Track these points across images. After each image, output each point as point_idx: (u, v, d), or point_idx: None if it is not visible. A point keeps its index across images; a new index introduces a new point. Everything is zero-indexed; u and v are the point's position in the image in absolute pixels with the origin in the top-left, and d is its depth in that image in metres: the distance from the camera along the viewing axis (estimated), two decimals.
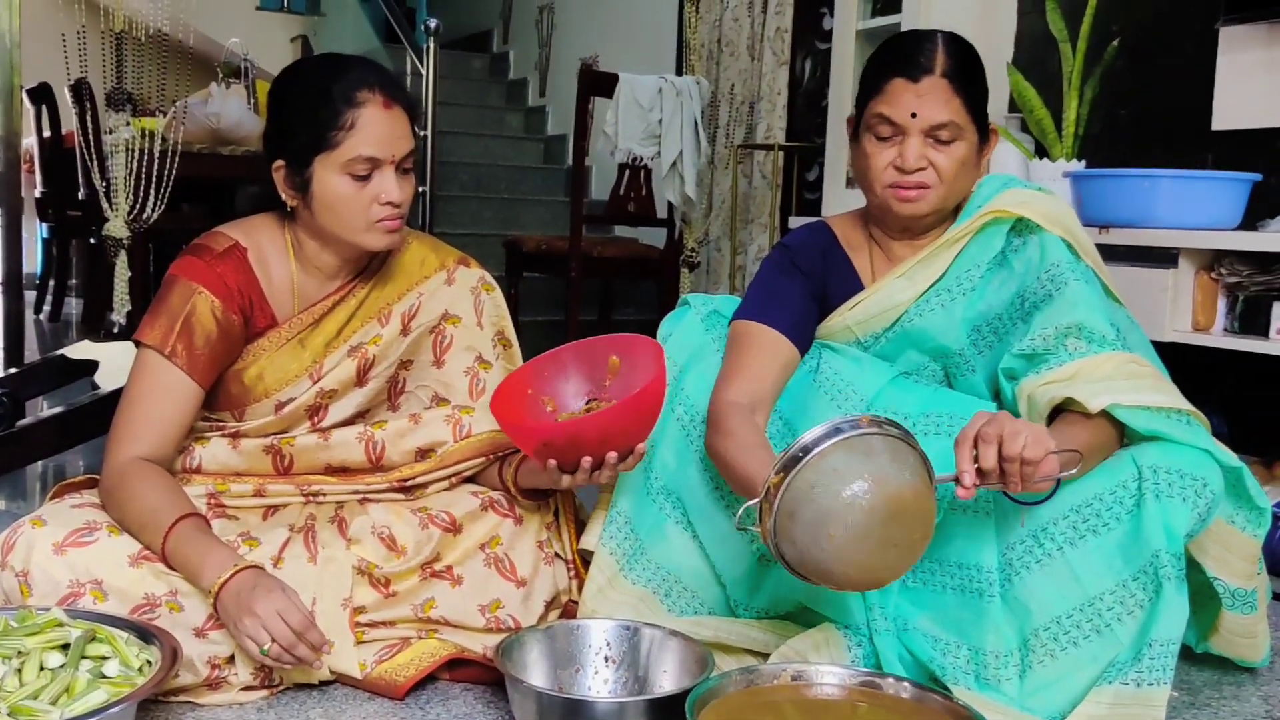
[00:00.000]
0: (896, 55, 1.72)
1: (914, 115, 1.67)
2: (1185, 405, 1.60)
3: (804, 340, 1.80)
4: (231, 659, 1.59)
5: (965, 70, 1.70)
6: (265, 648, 1.49)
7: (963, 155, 1.70)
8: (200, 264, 1.75)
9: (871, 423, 1.39)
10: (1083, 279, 1.68)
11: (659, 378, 1.60)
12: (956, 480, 1.43)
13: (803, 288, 1.81)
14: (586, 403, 1.73)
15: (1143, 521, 1.52)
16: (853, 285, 1.83)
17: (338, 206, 1.71)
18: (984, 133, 1.74)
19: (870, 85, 1.73)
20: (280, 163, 1.73)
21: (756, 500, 1.41)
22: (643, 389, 1.58)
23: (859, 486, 1.36)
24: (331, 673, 1.64)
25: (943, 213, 1.75)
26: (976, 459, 1.42)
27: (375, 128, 1.69)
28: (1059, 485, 1.48)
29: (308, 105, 1.70)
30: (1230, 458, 1.58)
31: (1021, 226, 1.74)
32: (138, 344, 1.73)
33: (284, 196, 1.75)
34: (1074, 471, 1.47)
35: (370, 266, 1.86)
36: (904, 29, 3.54)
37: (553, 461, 1.60)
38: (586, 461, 1.59)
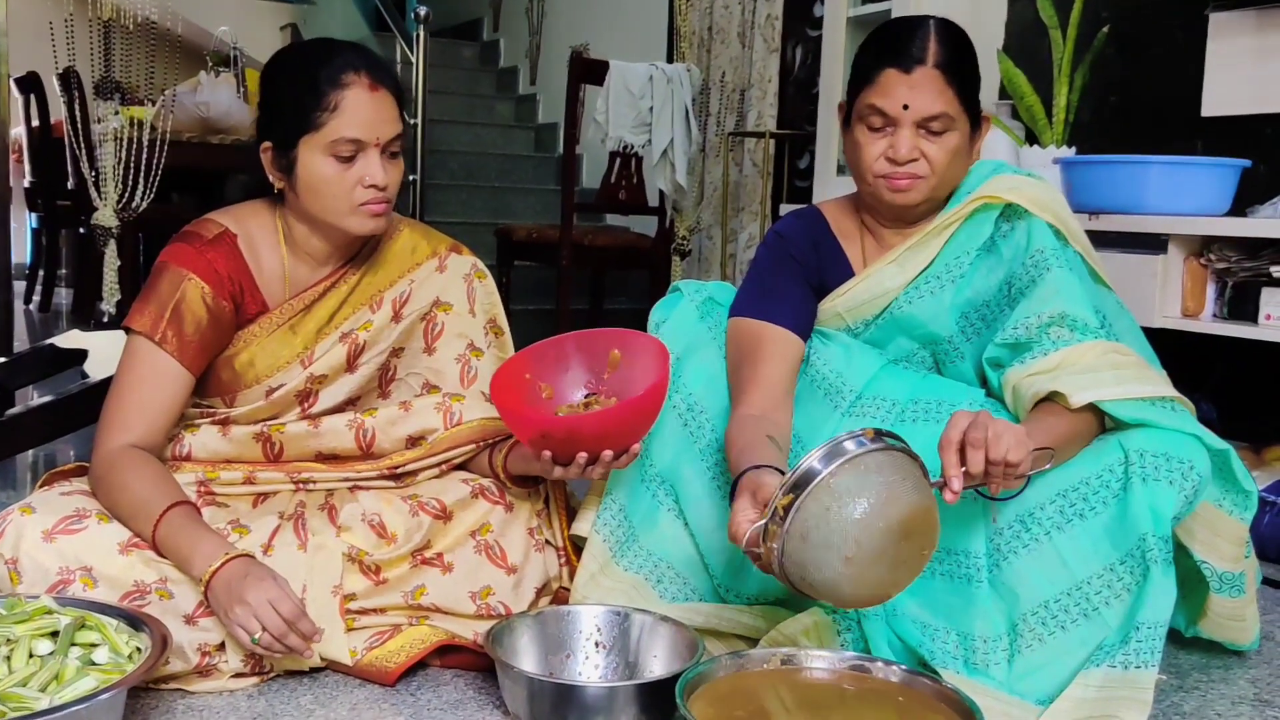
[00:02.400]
0: (888, 44, 1.70)
1: (906, 107, 1.66)
2: (1170, 392, 1.60)
3: (807, 329, 1.80)
4: (222, 646, 1.59)
5: (958, 60, 1.69)
6: (256, 636, 1.49)
7: (955, 145, 1.70)
8: (190, 250, 1.75)
9: (877, 436, 1.37)
10: (1067, 266, 1.68)
11: (662, 380, 1.59)
12: (943, 485, 1.43)
13: (799, 277, 1.81)
14: (586, 396, 1.73)
15: (1129, 505, 1.53)
16: (844, 272, 1.83)
17: (321, 188, 1.71)
18: (976, 121, 1.74)
19: (862, 75, 1.72)
20: (267, 144, 1.74)
21: (762, 523, 1.38)
22: (647, 390, 1.58)
23: (874, 507, 1.34)
24: (322, 659, 1.64)
25: (934, 201, 1.75)
26: (962, 463, 1.42)
27: (359, 110, 1.69)
28: (1029, 481, 1.48)
29: (294, 87, 1.71)
30: (1217, 440, 1.59)
31: (1010, 212, 1.73)
32: (128, 330, 1.73)
33: (271, 179, 1.75)
34: (1046, 467, 1.48)
35: (361, 253, 1.86)
36: (895, 16, 3.54)
37: (547, 453, 1.60)
38: (581, 457, 1.59)
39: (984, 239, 1.74)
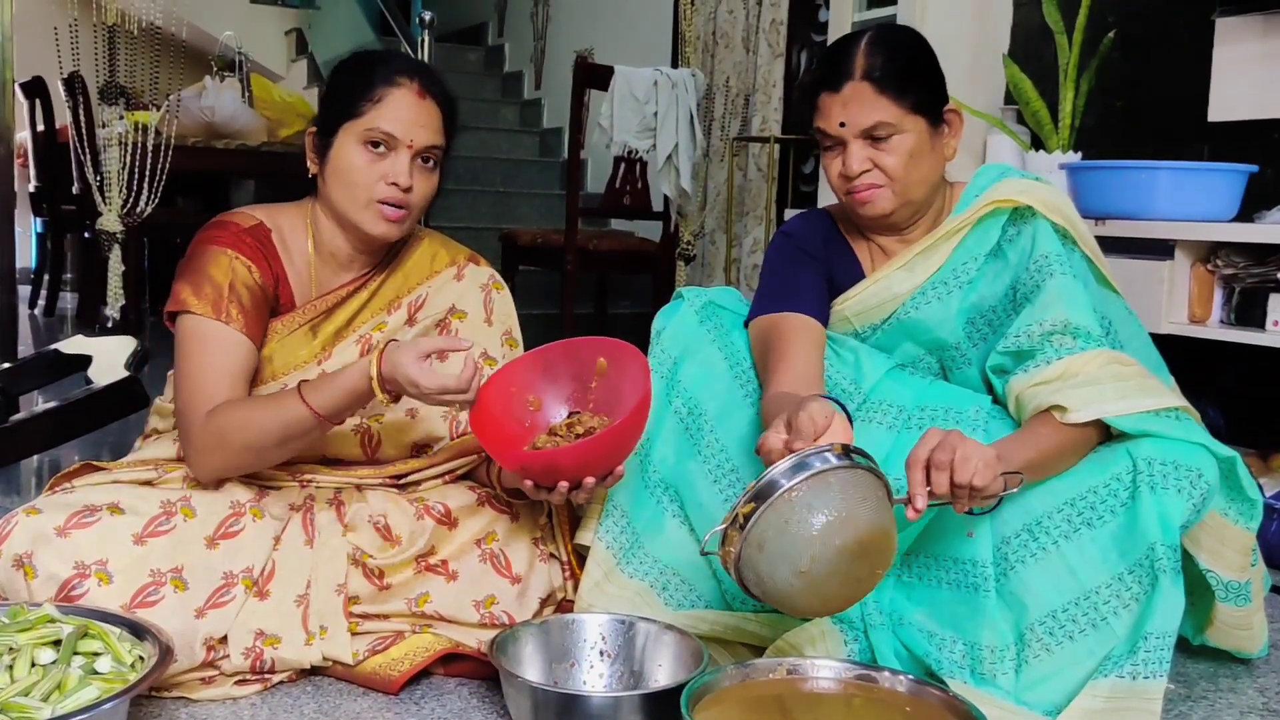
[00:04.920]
0: (821, 68, 1.73)
1: (843, 124, 1.67)
2: (1174, 402, 1.59)
3: (826, 316, 1.80)
4: (224, 640, 1.59)
5: (891, 66, 1.67)
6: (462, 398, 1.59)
7: (909, 148, 1.68)
8: (229, 235, 1.77)
9: (843, 454, 1.37)
10: (1071, 272, 1.67)
11: (642, 404, 1.59)
12: (908, 502, 1.43)
13: (812, 269, 1.81)
14: (569, 415, 1.72)
15: (1138, 514, 1.52)
16: (855, 272, 1.82)
17: (347, 175, 1.75)
18: (935, 118, 1.72)
19: (808, 103, 1.74)
20: (313, 128, 1.80)
21: (723, 527, 1.39)
22: (625, 418, 1.57)
23: (832, 525, 1.35)
24: (324, 659, 1.63)
25: (913, 205, 1.74)
26: (929, 481, 1.42)
27: (401, 108, 1.74)
28: (1000, 501, 1.48)
29: (351, 79, 1.77)
30: (1223, 448, 1.58)
31: (1018, 216, 1.73)
32: (177, 314, 1.73)
33: (309, 163, 1.81)
34: (1014, 489, 1.48)
35: (383, 261, 1.88)
36: (899, 21, 3.53)
37: (528, 482, 1.61)
38: (563, 486, 1.59)
39: (992, 244, 1.74)
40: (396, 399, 1.62)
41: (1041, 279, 1.66)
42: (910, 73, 1.69)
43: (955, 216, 1.75)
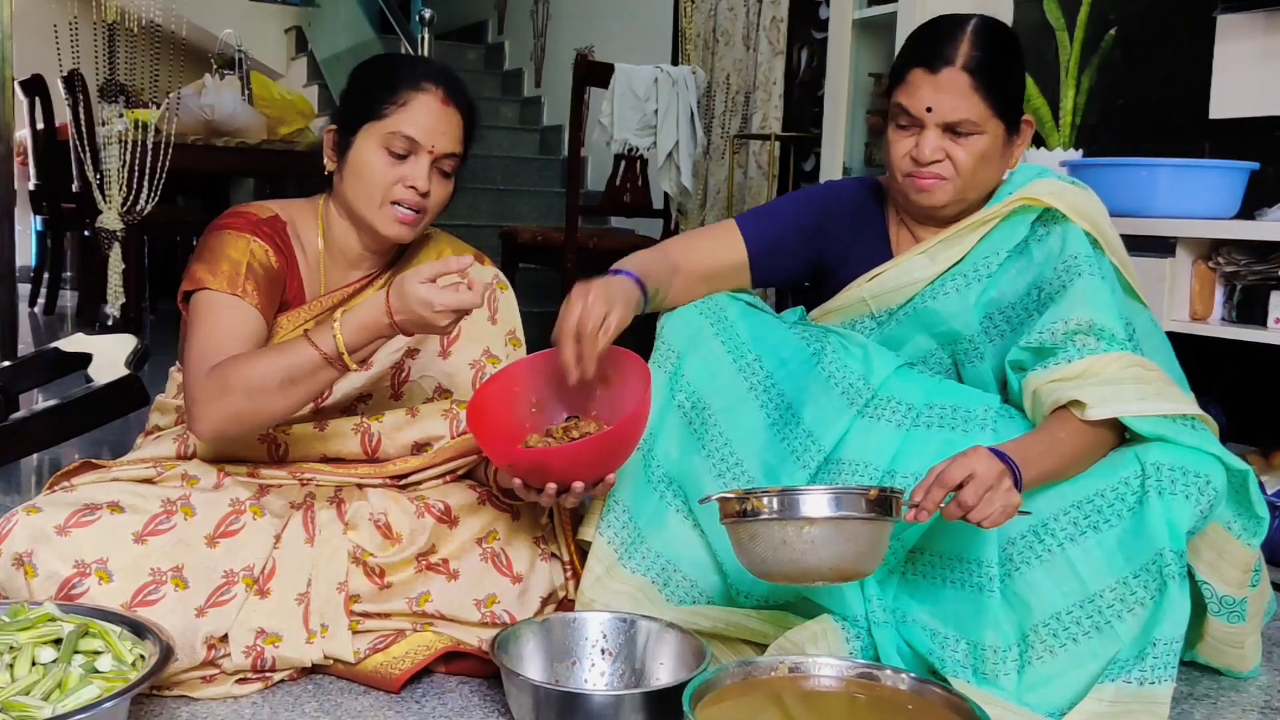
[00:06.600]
0: (921, 43, 1.70)
1: (929, 109, 1.65)
2: (1192, 410, 1.59)
3: (764, 259, 1.82)
4: (225, 638, 1.58)
5: (991, 63, 1.66)
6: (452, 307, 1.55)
7: (982, 149, 1.68)
8: (246, 222, 1.78)
9: (879, 501, 1.39)
10: (1099, 274, 1.66)
11: (637, 413, 1.59)
12: (915, 506, 1.45)
13: (802, 227, 1.83)
14: (567, 418, 1.72)
15: (1146, 519, 1.51)
16: (880, 250, 1.82)
17: (365, 175, 1.75)
18: (1013, 125, 1.71)
19: (896, 72, 1.72)
20: (333, 126, 1.80)
21: (731, 496, 1.43)
22: (618, 424, 1.58)
23: (821, 562, 1.40)
24: (325, 657, 1.63)
25: (964, 204, 1.74)
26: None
27: (425, 114, 1.75)
28: None
29: (375, 79, 1.78)
30: (1237, 461, 1.57)
31: (1048, 217, 1.72)
32: (192, 293, 1.72)
33: (326, 160, 1.82)
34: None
35: (392, 260, 1.89)
36: (900, 19, 3.53)
37: (517, 481, 1.61)
38: (551, 488, 1.60)
39: (1017, 240, 1.73)
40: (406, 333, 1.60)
41: (1069, 279, 1.65)
42: (1007, 76, 1.68)
43: (985, 210, 1.74)
